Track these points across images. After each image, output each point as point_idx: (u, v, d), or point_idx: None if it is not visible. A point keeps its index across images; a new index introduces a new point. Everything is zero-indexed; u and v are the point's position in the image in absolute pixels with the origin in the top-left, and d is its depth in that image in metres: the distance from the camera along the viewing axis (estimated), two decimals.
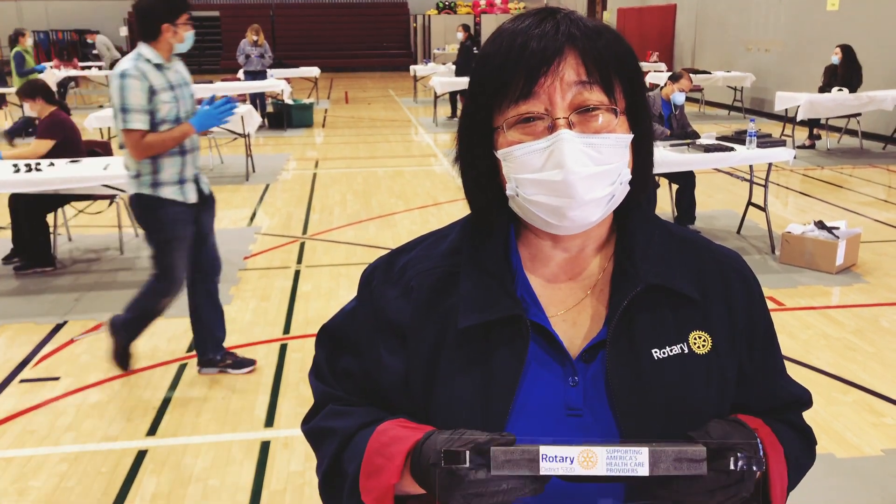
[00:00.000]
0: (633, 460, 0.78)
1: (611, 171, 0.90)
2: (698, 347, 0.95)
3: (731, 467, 0.79)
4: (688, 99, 14.08)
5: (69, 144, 5.40)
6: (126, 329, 3.52)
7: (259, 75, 12.19)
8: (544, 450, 0.78)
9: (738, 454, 0.80)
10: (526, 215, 0.95)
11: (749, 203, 5.94)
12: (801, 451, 1.04)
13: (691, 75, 12.40)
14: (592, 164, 0.89)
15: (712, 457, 0.79)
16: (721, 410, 0.96)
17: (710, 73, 12.99)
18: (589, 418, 0.92)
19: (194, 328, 3.71)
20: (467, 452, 0.80)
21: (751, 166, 5.82)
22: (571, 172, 0.87)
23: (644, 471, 0.78)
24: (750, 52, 13.55)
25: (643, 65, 15.00)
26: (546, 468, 0.78)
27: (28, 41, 10.42)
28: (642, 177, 0.98)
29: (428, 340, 0.97)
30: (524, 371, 0.92)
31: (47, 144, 5.32)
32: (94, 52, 19.14)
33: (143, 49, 3.26)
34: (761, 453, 0.82)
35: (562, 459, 0.78)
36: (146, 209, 3.36)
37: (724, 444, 0.81)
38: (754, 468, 0.80)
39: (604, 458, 0.78)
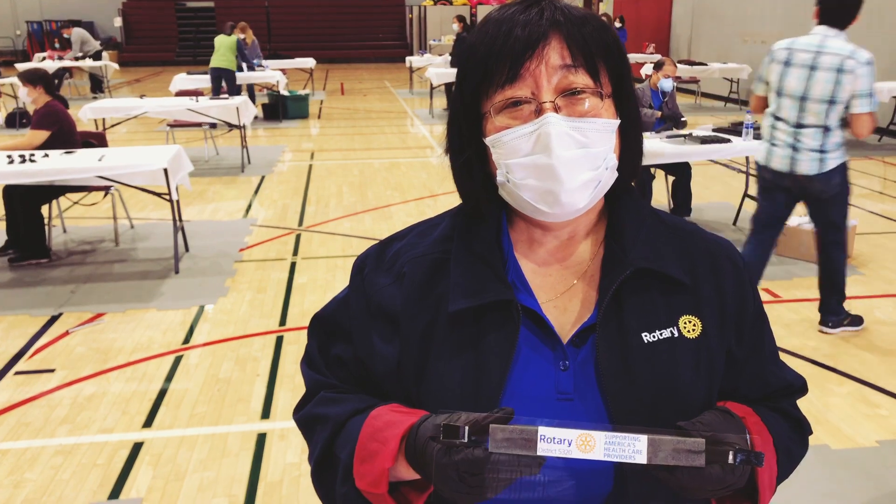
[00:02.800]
0: (632, 447, 0.78)
1: (597, 155, 0.90)
2: (688, 332, 0.95)
3: (730, 461, 0.79)
4: (684, 91, 14.03)
5: (64, 135, 5.37)
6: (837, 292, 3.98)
7: (248, 69, 12.18)
8: (543, 431, 0.78)
9: (737, 447, 0.79)
10: (516, 202, 0.94)
11: (745, 195, 5.95)
12: (792, 441, 1.03)
13: (688, 66, 12.48)
14: (578, 147, 0.89)
15: (709, 449, 0.79)
16: (710, 395, 0.96)
17: (706, 64, 12.97)
18: (579, 402, 0.92)
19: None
20: (466, 428, 0.80)
21: (747, 158, 5.82)
22: (557, 156, 0.88)
23: (642, 458, 0.78)
24: (746, 43, 13.54)
25: (639, 56, 14.95)
26: (543, 449, 0.78)
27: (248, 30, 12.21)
28: (630, 163, 0.98)
29: (419, 326, 0.97)
30: (515, 355, 0.92)
31: (42, 135, 5.29)
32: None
33: (844, 35, 3.62)
34: (749, 445, 0.82)
35: (560, 441, 0.78)
36: (843, 177, 3.77)
37: (721, 437, 0.81)
38: (752, 462, 0.80)
39: (602, 443, 0.78)
